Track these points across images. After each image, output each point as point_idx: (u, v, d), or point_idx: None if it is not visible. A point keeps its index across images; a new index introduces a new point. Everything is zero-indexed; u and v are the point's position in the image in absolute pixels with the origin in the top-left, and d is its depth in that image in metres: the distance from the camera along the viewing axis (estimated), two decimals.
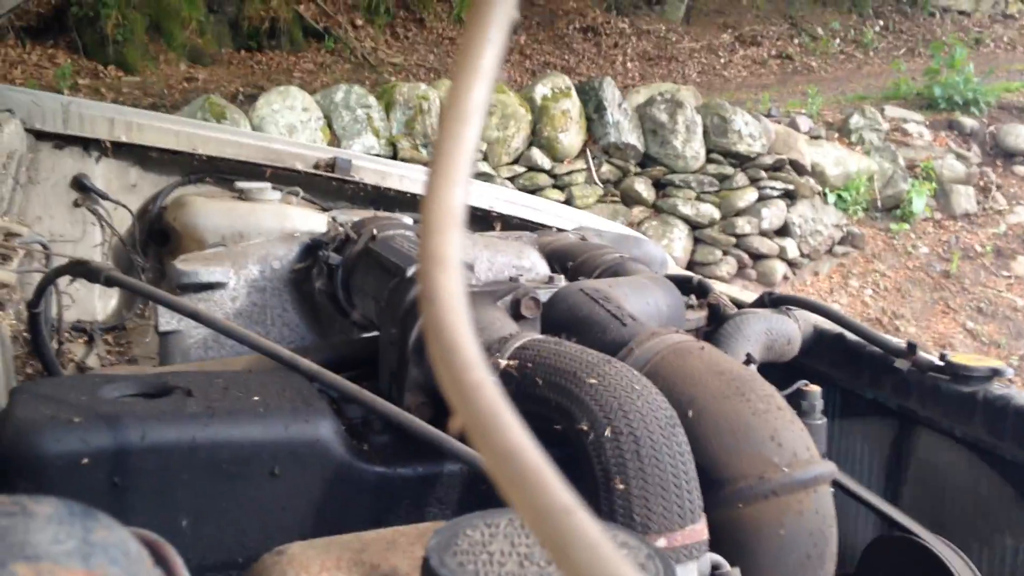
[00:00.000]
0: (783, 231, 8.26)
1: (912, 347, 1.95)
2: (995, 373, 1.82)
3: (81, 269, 1.41)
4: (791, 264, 8.33)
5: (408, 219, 2.17)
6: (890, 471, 2.01)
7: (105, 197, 2.58)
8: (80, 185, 2.56)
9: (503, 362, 1.20)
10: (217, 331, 1.26)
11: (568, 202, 7.59)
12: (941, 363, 1.88)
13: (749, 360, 1.74)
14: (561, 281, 1.84)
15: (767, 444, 1.21)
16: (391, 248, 1.58)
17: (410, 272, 1.47)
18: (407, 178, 2.80)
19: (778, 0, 13.94)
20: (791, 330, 1.99)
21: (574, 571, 0.30)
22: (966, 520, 1.81)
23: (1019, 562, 1.70)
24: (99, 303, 2.60)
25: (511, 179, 7.34)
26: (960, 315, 8.79)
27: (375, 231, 1.66)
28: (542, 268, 1.91)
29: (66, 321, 2.51)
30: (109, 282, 1.36)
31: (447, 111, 0.39)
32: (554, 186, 7.56)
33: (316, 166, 2.72)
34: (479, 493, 1.41)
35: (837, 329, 2.13)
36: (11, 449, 1.15)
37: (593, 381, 1.14)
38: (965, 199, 9.47)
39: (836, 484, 1.72)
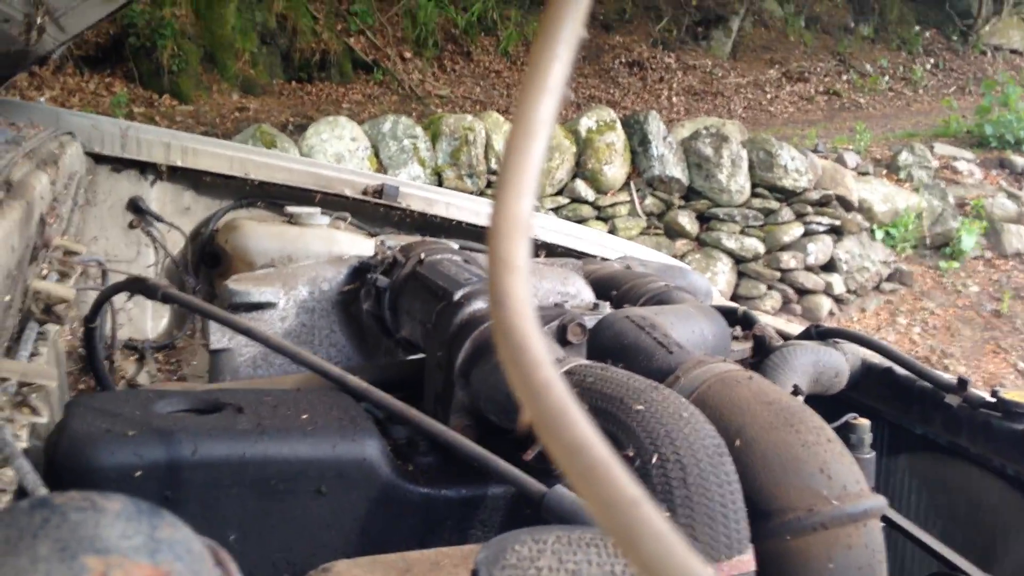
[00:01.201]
0: (829, 266, 8.18)
1: (963, 383, 1.91)
2: None
3: (139, 286, 1.45)
4: (837, 300, 8.24)
5: (455, 244, 2.19)
6: (940, 508, 1.97)
7: (159, 219, 2.63)
8: (135, 207, 2.62)
9: None
10: (269, 348, 1.28)
11: (611, 233, 7.59)
12: (992, 399, 1.85)
13: (796, 392, 1.72)
14: (606, 308, 1.84)
15: (816, 476, 1.20)
16: (438, 272, 1.59)
17: (457, 296, 1.48)
18: (453, 205, 2.82)
19: (826, 37, 13.90)
20: (839, 363, 1.96)
21: (642, 562, 0.30)
22: (1019, 560, 1.77)
23: None
24: (151, 322, 2.65)
25: (555, 210, 7.37)
26: (1011, 355, 8.61)
27: (423, 255, 1.68)
28: (587, 295, 1.91)
29: (118, 339, 2.56)
30: (166, 299, 1.39)
31: (515, 124, 0.40)
32: (598, 218, 7.57)
33: (364, 192, 2.75)
34: (523, 516, 1.41)
35: (886, 363, 2.10)
36: (66, 461, 1.17)
37: (640, 407, 1.14)
38: (1016, 239, 9.31)
39: (886, 520, 1.69)
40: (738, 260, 7.84)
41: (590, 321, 1.77)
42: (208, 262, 2.65)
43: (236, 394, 1.40)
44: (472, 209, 2.85)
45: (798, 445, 1.22)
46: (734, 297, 7.82)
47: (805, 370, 1.87)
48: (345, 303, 1.76)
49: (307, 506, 1.27)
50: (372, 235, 2.74)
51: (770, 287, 7.91)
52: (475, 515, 1.33)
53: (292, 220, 2.54)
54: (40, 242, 1.42)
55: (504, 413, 1.28)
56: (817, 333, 2.19)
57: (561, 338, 1.40)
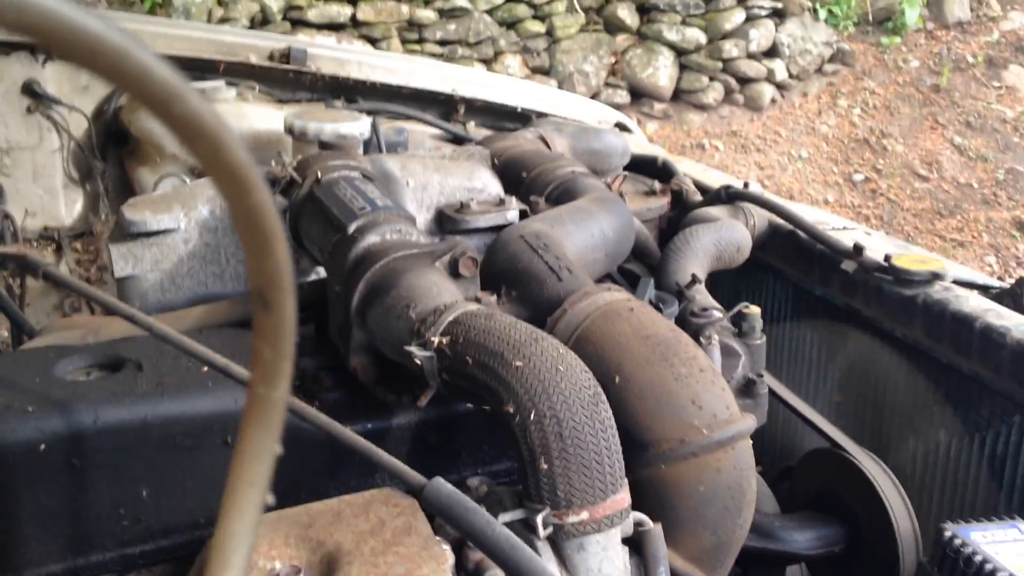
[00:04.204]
0: (771, 52, 8.06)
1: (858, 248, 1.99)
2: (935, 277, 1.88)
3: (20, 261, 1.44)
4: (779, 87, 8.19)
5: (363, 120, 2.15)
6: (836, 366, 2.10)
7: (57, 102, 2.54)
8: (31, 91, 2.52)
9: (435, 339, 1.25)
10: (154, 336, 1.30)
11: (549, 33, 7.38)
12: (885, 264, 1.94)
13: (694, 280, 1.79)
14: (512, 204, 1.86)
15: (688, 408, 1.28)
16: (334, 197, 1.59)
17: (351, 229, 1.49)
18: (365, 64, 2.74)
19: None
20: (740, 238, 2.02)
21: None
22: (905, 416, 1.92)
23: (951, 455, 1.81)
24: (65, 208, 2.62)
25: (489, 12, 7.10)
26: (948, 130, 8.71)
27: (319, 174, 1.66)
28: (494, 188, 1.92)
29: (32, 230, 2.54)
30: (46, 277, 1.39)
31: None
32: (534, 17, 7.31)
33: (271, 57, 2.65)
34: (428, 445, 1.50)
35: (791, 225, 2.16)
36: None
37: (519, 364, 1.19)
38: (958, 6, 9.18)
39: (773, 394, 1.81)
40: (680, 52, 7.70)
41: (494, 218, 1.80)
42: (115, 142, 2.58)
43: (137, 346, 1.43)
44: (385, 67, 2.77)
45: (671, 379, 1.29)
46: (676, 91, 7.74)
47: (707, 251, 1.93)
48: None
49: (215, 457, 1.34)
50: (283, 102, 2.68)
51: (712, 78, 7.82)
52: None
53: None
54: None
55: (401, 357, 1.33)
56: (727, 195, 2.24)
57: (453, 272, 1.43)
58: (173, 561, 1.35)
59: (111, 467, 1.29)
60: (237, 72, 2.63)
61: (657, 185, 2.48)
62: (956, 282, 1.89)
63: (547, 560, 1.15)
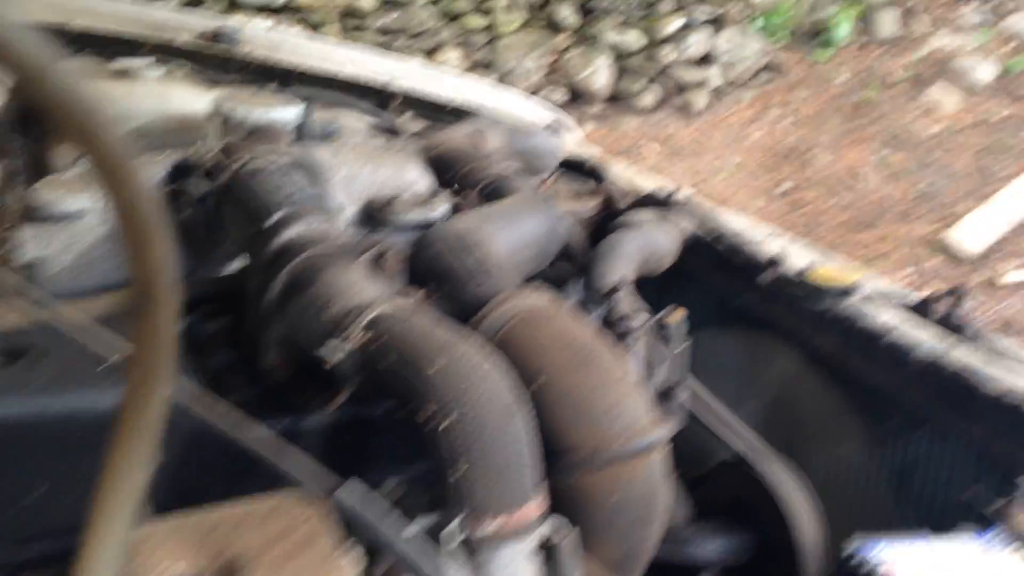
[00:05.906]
0: (707, 59, 8.18)
1: (774, 261, 2.03)
2: (846, 292, 1.92)
3: None
4: (713, 94, 8.31)
5: (294, 105, 2.11)
6: (754, 376, 2.13)
7: None
8: None
9: (352, 339, 1.23)
10: (60, 324, 1.25)
11: (491, 28, 7.36)
12: (798, 278, 1.98)
13: (620, 284, 1.79)
14: (443, 199, 1.84)
15: (603, 417, 1.28)
16: (256, 186, 1.55)
17: (272, 221, 1.46)
18: (299, 51, 2.69)
19: None
20: (664, 245, 2.04)
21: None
22: (818, 427, 1.96)
23: (860, 468, 1.86)
24: None
25: (434, 2, 7.05)
26: (873, 144, 8.94)
27: (243, 161, 1.62)
28: (424, 182, 1.90)
29: None
30: None
31: None
32: (476, 10, 7.29)
33: (200, 37, 2.59)
34: (343, 447, 1.47)
35: (716, 234, 2.19)
36: None
37: (436, 367, 1.18)
38: (890, 22, 9.44)
39: (692, 401, 1.83)
40: (619, 55, 7.75)
41: (423, 214, 1.78)
42: (34, 117, 2.48)
43: (44, 334, 1.37)
44: (320, 54, 2.72)
45: (588, 388, 1.29)
46: (614, 93, 7.80)
47: (633, 257, 1.93)
48: (167, 205, 1.70)
49: None
50: (213, 85, 2.61)
51: (651, 80, 7.90)
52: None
53: (121, 75, 2.38)
54: None
55: (317, 356, 1.31)
56: (655, 201, 2.26)
57: (376, 270, 1.41)
58: (64, 563, 1.30)
59: (4, 462, 1.24)
60: (166, 51, 2.56)
61: (588, 187, 2.49)
62: (869, 296, 1.94)
63: (458, 567, 1.15)
